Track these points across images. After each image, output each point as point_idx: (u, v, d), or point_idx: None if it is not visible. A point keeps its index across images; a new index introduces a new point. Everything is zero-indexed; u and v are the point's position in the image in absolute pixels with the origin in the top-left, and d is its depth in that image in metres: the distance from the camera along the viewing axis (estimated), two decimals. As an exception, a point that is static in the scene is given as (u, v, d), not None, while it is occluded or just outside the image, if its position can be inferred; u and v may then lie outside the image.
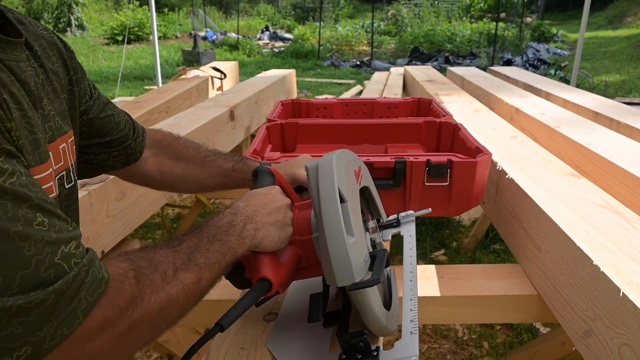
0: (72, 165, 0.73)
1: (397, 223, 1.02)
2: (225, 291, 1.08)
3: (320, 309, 0.74)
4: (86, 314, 0.47)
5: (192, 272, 0.60)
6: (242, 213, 0.72)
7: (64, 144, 0.70)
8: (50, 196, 0.55)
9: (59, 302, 0.45)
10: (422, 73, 3.38)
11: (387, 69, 4.65)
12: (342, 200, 0.70)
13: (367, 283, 0.67)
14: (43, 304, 0.44)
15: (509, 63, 9.77)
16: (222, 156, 1.00)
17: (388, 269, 0.84)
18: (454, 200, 1.15)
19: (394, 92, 3.06)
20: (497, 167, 1.33)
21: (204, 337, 0.64)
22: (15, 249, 0.43)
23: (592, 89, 6.45)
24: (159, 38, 11.91)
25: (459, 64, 9.88)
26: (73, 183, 0.74)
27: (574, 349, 1.39)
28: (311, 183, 0.73)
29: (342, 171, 0.74)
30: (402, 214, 1.03)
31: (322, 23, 13.43)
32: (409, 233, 0.97)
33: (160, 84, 5.32)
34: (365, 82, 5.28)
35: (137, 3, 13.37)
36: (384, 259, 0.72)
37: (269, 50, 12.25)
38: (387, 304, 0.79)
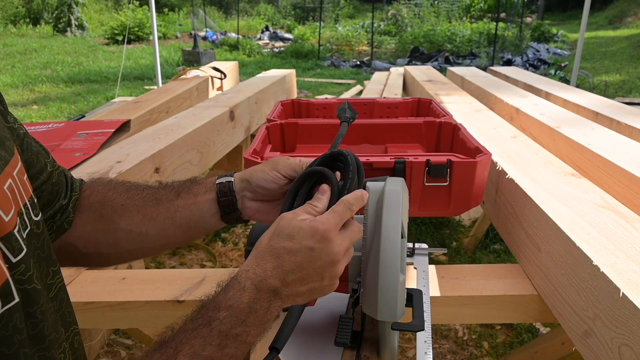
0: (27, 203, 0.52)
1: (411, 253, 1.03)
2: (225, 291, 1.08)
3: (350, 334, 0.74)
4: None
5: None
6: (267, 286, 0.53)
7: (10, 181, 0.48)
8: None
9: None
10: (422, 73, 3.38)
11: (387, 69, 4.65)
12: (402, 235, 0.70)
13: (412, 327, 0.68)
14: None
15: (509, 63, 9.77)
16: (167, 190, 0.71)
17: None
18: (453, 201, 1.15)
19: (394, 92, 3.05)
20: (497, 167, 1.33)
21: None
22: None
23: (592, 89, 6.45)
24: (159, 38, 11.91)
25: (459, 64, 9.88)
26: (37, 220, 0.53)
27: (574, 349, 1.39)
28: (370, 206, 0.72)
29: (405, 204, 0.74)
30: (417, 245, 1.03)
31: (322, 23, 13.43)
32: (422, 268, 0.97)
33: (160, 84, 5.32)
34: (365, 82, 5.28)
35: (137, 3, 13.37)
36: (422, 300, 0.73)
37: (269, 50, 12.24)
38: None
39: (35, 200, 0.55)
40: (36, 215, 0.53)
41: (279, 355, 0.63)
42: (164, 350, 0.47)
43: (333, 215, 0.58)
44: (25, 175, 0.53)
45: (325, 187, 0.64)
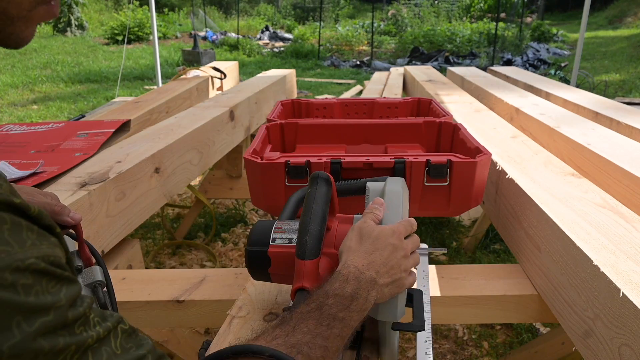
0: None
1: None
2: (225, 291, 1.08)
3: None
4: None
5: None
6: (366, 278, 0.64)
7: None
8: None
9: None
10: (422, 73, 3.38)
11: (387, 69, 4.65)
12: None
13: (412, 327, 0.68)
14: None
15: (509, 63, 9.77)
16: None
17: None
18: (453, 200, 1.15)
19: (394, 92, 3.05)
20: (497, 167, 1.33)
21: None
22: None
23: (592, 88, 6.45)
24: (159, 38, 11.91)
25: (459, 64, 9.88)
26: None
27: (574, 349, 1.39)
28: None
29: (405, 203, 0.75)
30: None
31: (322, 23, 13.43)
32: (422, 268, 0.97)
33: (160, 84, 5.32)
34: (365, 82, 5.28)
35: (137, 3, 13.37)
36: (422, 301, 0.74)
37: (269, 50, 12.24)
38: None
39: None
40: None
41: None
42: (283, 327, 0.57)
43: (402, 225, 0.74)
44: None
45: (380, 200, 0.77)
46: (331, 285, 0.62)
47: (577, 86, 5.51)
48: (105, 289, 0.70)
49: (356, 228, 0.73)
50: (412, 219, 0.76)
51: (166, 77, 7.29)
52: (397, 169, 1.13)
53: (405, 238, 0.73)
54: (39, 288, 0.38)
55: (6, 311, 0.35)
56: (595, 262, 0.82)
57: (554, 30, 13.24)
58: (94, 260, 0.73)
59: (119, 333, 0.46)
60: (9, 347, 0.35)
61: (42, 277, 0.39)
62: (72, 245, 0.72)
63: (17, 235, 0.39)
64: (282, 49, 12.07)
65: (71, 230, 0.73)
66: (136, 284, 1.13)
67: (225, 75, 3.10)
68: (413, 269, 0.74)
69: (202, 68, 3.16)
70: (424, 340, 0.80)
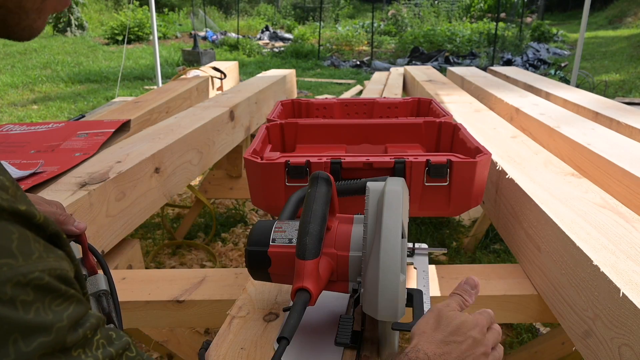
0: None
1: (411, 253, 1.03)
2: (225, 291, 1.08)
3: (350, 334, 0.74)
4: None
5: None
6: None
7: None
8: None
9: None
10: (422, 73, 3.38)
11: (387, 69, 4.65)
12: (402, 235, 0.70)
13: (410, 327, 0.68)
14: None
15: (509, 63, 9.77)
16: None
17: None
18: (453, 201, 1.15)
19: (394, 92, 3.05)
20: (497, 167, 1.33)
21: (276, 356, 0.61)
22: None
23: (592, 88, 6.45)
24: (159, 38, 11.91)
25: (459, 64, 9.87)
26: None
27: (574, 349, 1.39)
28: (370, 206, 0.72)
29: (405, 204, 0.74)
30: (417, 245, 1.03)
31: (322, 23, 13.43)
32: (422, 268, 0.97)
33: (160, 84, 5.32)
34: (365, 82, 5.28)
35: (137, 3, 13.37)
36: (422, 301, 0.74)
37: (269, 50, 12.25)
38: None
39: None
40: None
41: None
42: None
43: (484, 316, 0.69)
44: None
45: (476, 282, 0.74)
46: (403, 357, 0.58)
47: (577, 86, 5.51)
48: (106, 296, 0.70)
49: (435, 310, 0.67)
50: (489, 311, 0.71)
51: (166, 77, 7.29)
52: (397, 169, 1.13)
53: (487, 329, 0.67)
54: (40, 305, 0.36)
55: (3, 327, 0.34)
56: (595, 262, 0.82)
57: (554, 30, 13.25)
58: (98, 269, 0.73)
59: None
60: None
61: (44, 293, 0.37)
62: (77, 251, 0.72)
63: (25, 247, 0.37)
64: (282, 49, 12.07)
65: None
66: (136, 284, 1.13)
67: (225, 75, 3.10)
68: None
69: (202, 68, 3.16)
70: None
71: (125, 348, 0.45)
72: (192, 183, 2.65)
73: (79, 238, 0.72)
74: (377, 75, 4.12)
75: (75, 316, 0.40)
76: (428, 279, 0.94)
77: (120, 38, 11.88)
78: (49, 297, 0.37)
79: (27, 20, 0.48)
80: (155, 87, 5.47)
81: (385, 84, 3.45)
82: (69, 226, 0.71)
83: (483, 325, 0.66)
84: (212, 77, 3.01)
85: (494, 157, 1.37)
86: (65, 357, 0.38)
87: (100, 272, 0.73)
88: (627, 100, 3.66)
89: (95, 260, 0.75)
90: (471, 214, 2.76)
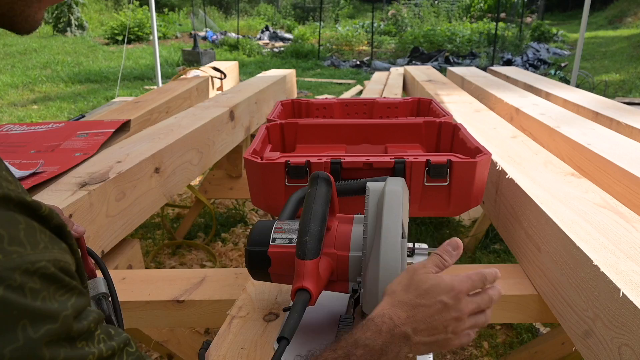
0: None
1: (411, 253, 1.02)
2: (225, 291, 1.08)
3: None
4: None
5: None
6: (400, 333, 0.59)
7: None
8: None
9: None
10: (422, 73, 3.38)
11: (387, 69, 4.65)
12: (402, 234, 0.69)
13: None
14: None
15: (509, 63, 9.77)
16: None
17: None
18: (453, 201, 1.15)
19: (394, 92, 3.05)
20: (497, 167, 1.33)
21: (276, 356, 0.62)
22: None
23: (592, 89, 6.45)
24: (159, 38, 11.91)
25: (459, 64, 9.88)
26: None
27: (574, 349, 1.39)
28: (370, 206, 0.72)
29: (405, 204, 0.74)
30: (417, 245, 1.03)
31: (322, 23, 13.43)
32: None
33: (160, 84, 5.32)
34: (365, 82, 5.28)
35: (137, 3, 13.37)
36: None
37: (269, 50, 12.24)
38: None
39: None
40: None
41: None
42: None
43: (468, 281, 0.65)
44: None
45: (458, 243, 0.71)
46: (363, 334, 0.58)
47: (577, 86, 5.51)
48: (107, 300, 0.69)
49: (411, 270, 0.66)
50: (485, 271, 0.67)
51: (166, 77, 7.29)
52: (397, 169, 1.13)
53: (472, 295, 0.65)
54: (46, 294, 0.37)
55: (12, 313, 0.34)
56: (595, 262, 0.82)
57: (554, 30, 13.24)
58: (97, 273, 0.73)
59: (124, 356, 0.44)
60: (10, 351, 0.34)
61: (50, 283, 0.38)
62: None
63: (31, 237, 0.38)
64: (282, 49, 12.07)
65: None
66: (136, 284, 1.13)
67: (225, 75, 3.10)
68: (470, 331, 0.65)
69: (202, 68, 3.16)
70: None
71: (126, 343, 0.45)
72: (192, 183, 2.65)
73: (78, 242, 0.72)
74: (377, 75, 4.12)
75: (79, 307, 0.40)
76: None
77: (120, 38, 11.88)
78: (53, 287, 0.38)
79: (29, 10, 0.48)
80: (155, 87, 5.47)
81: (385, 84, 3.45)
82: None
83: (460, 290, 0.63)
84: (212, 77, 3.01)
85: (494, 157, 1.37)
86: (70, 347, 0.38)
87: (100, 275, 0.73)
88: (627, 100, 3.66)
89: (95, 263, 0.75)
90: (471, 214, 2.76)
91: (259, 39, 13.52)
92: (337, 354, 0.56)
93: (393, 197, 0.71)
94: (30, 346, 0.35)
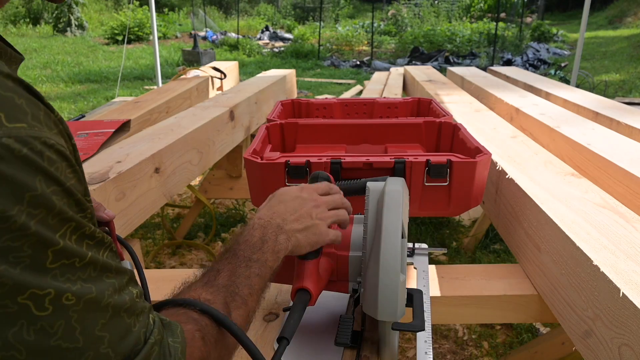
0: None
1: (411, 253, 1.03)
2: (225, 291, 1.08)
3: (350, 334, 0.74)
4: None
5: (241, 309, 0.59)
6: (272, 224, 0.69)
7: None
8: None
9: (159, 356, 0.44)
10: (422, 73, 3.38)
11: (387, 69, 4.65)
12: (402, 235, 0.69)
13: (412, 327, 0.68)
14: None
15: (509, 63, 9.77)
16: None
17: None
18: (453, 200, 1.15)
19: (394, 92, 3.05)
20: (497, 167, 1.33)
21: (276, 356, 0.62)
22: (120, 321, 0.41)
23: (592, 88, 6.45)
24: (159, 38, 11.91)
25: (459, 64, 9.87)
26: None
27: (574, 349, 1.39)
28: (370, 206, 0.73)
29: (405, 204, 0.74)
30: (417, 245, 1.03)
31: (322, 23, 13.43)
32: (422, 268, 0.97)
33: (160, 84, 5.32)
34: (365, 82, 5.28)
35: (137, 3, 13.37)
36: (422, 301, 0.73)
37: (269, 50, 12.24)
38: None
39: None
40: None
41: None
42: (209, 273, 0.62)
43: (319, 184, 0.80)
44: None
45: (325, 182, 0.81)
46: (240, 234, 0.67)
47: (577, 86, 5.51)
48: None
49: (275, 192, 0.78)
50: (329, 184, 0.81)
51: (166, 77, 7.29)
52: (397, 169, 1.13)
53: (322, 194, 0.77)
54: (59, 166, 0.38)
55: (32, 167, 0.35)
56: (595, 262, 0.82)
57: (554, 30, 13.24)
58: (125, 256, 0.76)
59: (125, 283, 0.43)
60: (29, 196, 0.35)
61: (63, 159, 0.39)
62: None
63: (49, 122, 0.40)
64: (282, 49, 12.07)
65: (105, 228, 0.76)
66: (136, 284, 1.13)
67: (225, 75, 3.10)
68: (337, 230, 0.76)
69: (202, 68, 3.16)
70: (424, 340, 0.80)
71: (132, 278, 0.45)
72: (192, 183, 2.65)
73: (108, 226, 0.76)
74: (377, 75, 4.13)
75: (83, 189, 0.42)
76: (428, 279, 0.94)
77: (120, 38, 11.88)
78: (65, 164, 0.39)
79: None
80: (155, 87, 5.47)
81: (385, 84, 3.45)
82: (100, 213, 0.74)
83: (310, 187, 0.77)
84: (212, 77, 3.01)
85: (494, 157, 1.37)
86: (88, 240, 0.39)
87: (128, 259, 0.76)
88: (627, 100, 3.66)
89: (123, 247, 0.78)
90: (471, 214, 2.76)
91: (259, 39, 13.52)
92: (228, 254, 0.64)
93: (393, 197, 0.71)
94: (44, 196, 0.36)
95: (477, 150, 1.20)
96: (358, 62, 10.55)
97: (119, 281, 0.41)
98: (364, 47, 12.46)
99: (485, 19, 14.49)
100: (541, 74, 5.13)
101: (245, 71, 8.56)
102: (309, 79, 8.51)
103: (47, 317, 0.35)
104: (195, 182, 3.13)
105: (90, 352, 0.37)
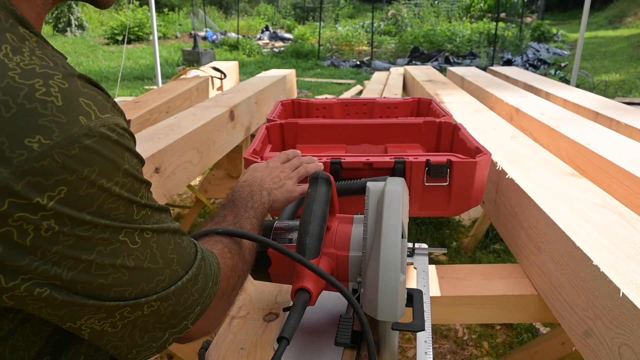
0: None
1: (411, 253, 1.02)
2: (225, 291, 1.08)
3: (350, 334, 0.74)
4: (217, 282, 0.59)
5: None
6: (254, 183, 0.83)
7: None
8: None
9: (205, 269, 0.58)
10: (422, 73, 3.38)
11: (387, 69, 4.65)
12: (402, 234, 0.69)
13: (412, 327, 0.68)
14: (200, 270, 0.57)
15: (509, 63, 9.77)
16: None
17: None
18: (453, 201, 1.15)
19: (394, 92, 3.06)
20: (497, 167, 1.33)
21: (276, 356, 0.63)
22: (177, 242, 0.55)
23: (592, 89, 6.45)
24: (159, 38, 11.91)
25: (459, 64, 9.88)
26: None
27: (574, 349, 1.39)
28: (370, 206, 0.72)
29: (405, 204, 0.74)
30: (417, 245, 1.03)
31: (322, 23, 13.43)
32: (422, 268, 0.97)
33: (160, 84, 5.32)
34: (365, 82, 5.28)
35: (137, 3, 13.37)
36: (422, 301, 0.73)
37: (269, 50, 12.24)
38: None
39: None
40: None
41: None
42: (216, 217, 0.74)
43: (277, 158, 0.96)
44: None
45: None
46: (232, 193, 0.81)
47: (577, 86, 5.51)
48: None
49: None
50: (287, 151, 0.97)
51: (166, 77, 7.29)
52: (397, 169, 1.13)
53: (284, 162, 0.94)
54: (134, 146, 0.51)
55: (120, 148, 0.47)
56: (595, 262, 0.82)
57: (554, 30, 13.24)
58: None
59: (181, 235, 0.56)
60: (123, 170, 0.47)
61: (131, 136, 0.51)
62: None
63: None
64: (282, 49, 12.07)
65: None
66: (136, 284, 1.12)
67: (225, 75, 3.10)
68: (298, 185, 0.90)
69: (202, 68, 3.16)
70: (424, 340, 0.80)
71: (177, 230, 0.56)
72: (192, 183, 2.65)
73: None
74: (377, 75, 4.13)
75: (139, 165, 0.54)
76: (428, 279, 0.94)
77: (120, 38, 11.88)
78: (133, 141, 0.52)
79: None
80: (155, 87, 5.47)
81: (385, 84, 3.45)
82: None
83: (274, 160, 0.94)
84: (212, 77, 3.01)
85: (494, 157, 1.37)
86: (149, 192, 0.52)
87: None
88: (627, 100, 3.66)
89: None
90: (471, 214, 2.76)
91: (259, 39, 13.52)
92: (227, 206, 0.77)
93: (393, 197, 0.71)
94: (132, 168, 0.49)
95: (477, 150, 1.20)
96: (358, 62, 10.55)
97: (166, 214, 0.55)
98: (364, 47, 12.46)
99: (485, 19, 14.49)
100: (541, 74, 5.13)
101: (245, 71, 8.56)
102: (309, 79, 8.51)
103: (138, 248, 0.49)
104: (195, 182, 3.13)
105: (167, 269, 0.52)
